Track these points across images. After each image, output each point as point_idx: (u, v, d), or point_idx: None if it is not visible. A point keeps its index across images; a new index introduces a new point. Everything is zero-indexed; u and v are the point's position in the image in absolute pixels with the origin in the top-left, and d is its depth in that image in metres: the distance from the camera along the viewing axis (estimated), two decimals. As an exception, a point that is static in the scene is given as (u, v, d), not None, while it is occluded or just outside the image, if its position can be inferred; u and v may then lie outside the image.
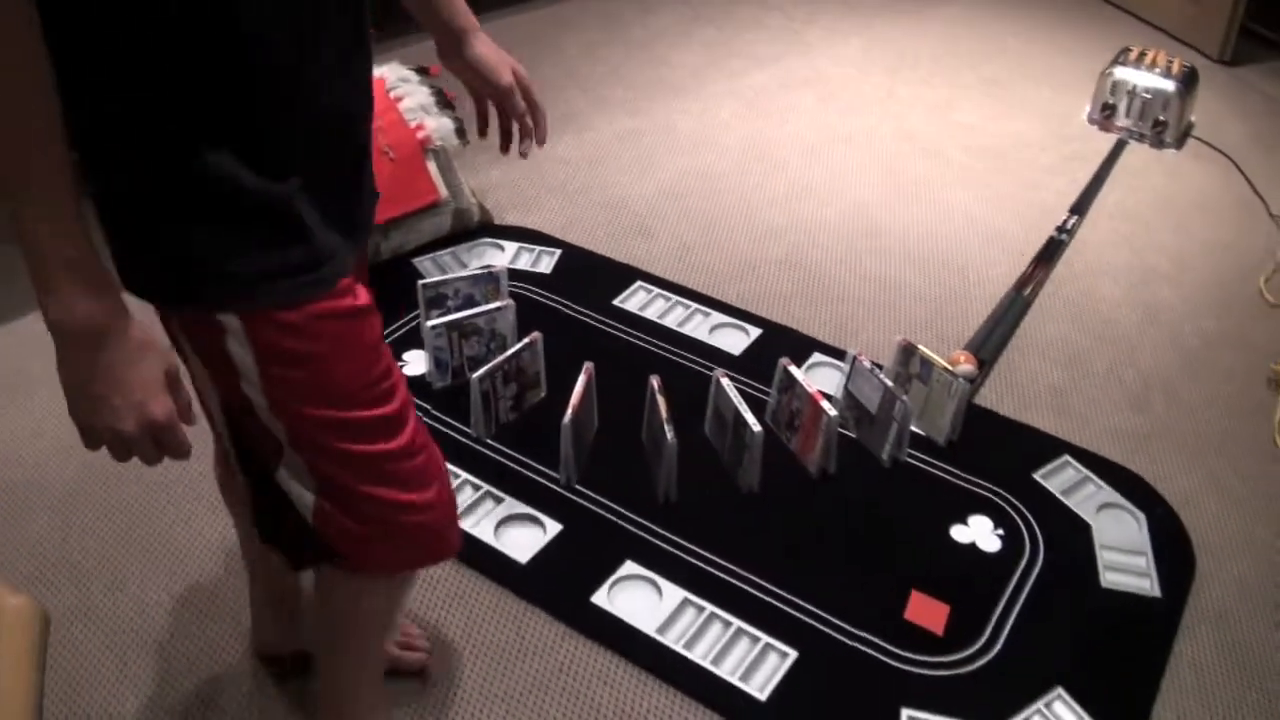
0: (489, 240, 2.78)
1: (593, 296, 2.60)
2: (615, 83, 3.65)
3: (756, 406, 2.23)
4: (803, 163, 3.23)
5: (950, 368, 2.22)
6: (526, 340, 2.22)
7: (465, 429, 2.19)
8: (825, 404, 2.08)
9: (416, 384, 2.32)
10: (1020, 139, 3.41)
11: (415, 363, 2.37)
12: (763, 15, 4.24)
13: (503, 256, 2.73)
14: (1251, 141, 3.42)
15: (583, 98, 3.54)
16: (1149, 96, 3.31)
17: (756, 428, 2.02)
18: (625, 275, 2.69)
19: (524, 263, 2.71)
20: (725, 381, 2.14)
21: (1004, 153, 3.33)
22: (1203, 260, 2.89)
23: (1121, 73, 3.36)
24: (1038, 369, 2.48)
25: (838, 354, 2.45)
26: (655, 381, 2.13)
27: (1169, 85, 3.29)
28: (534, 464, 2.13)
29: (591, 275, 2.69)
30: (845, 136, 3.39)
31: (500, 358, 2.16)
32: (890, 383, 2.13)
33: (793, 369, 2.17)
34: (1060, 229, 2.93)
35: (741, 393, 2.14)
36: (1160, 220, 3.05)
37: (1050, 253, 2.85)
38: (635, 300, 2.60)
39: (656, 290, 2.64)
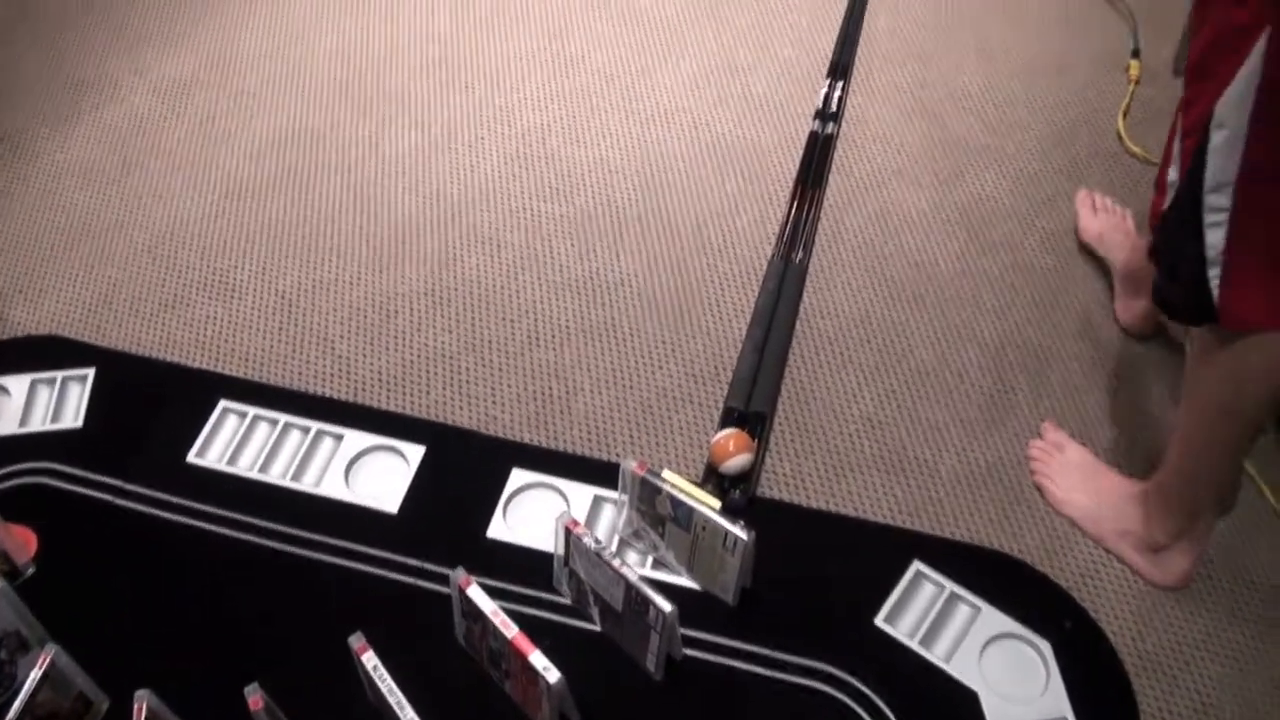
0: (-18, 380, 1.84)
1: (153, 456, 1.72)
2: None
3: (435, 605, 1.47)
4: (433, 80, 2.29)
5: (713, 505, 1.47)
6: (35, 675, 1.37)
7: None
8: (539, 661, 1.32)
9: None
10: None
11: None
12: None
13: (10, 408, 1.79)
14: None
15: (106, 39, 2.45)
16: None
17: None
18: (201, 392, 1.81)
19: (40, 412, 1.79)
20: (373, 667, 1.34)
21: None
22: (1027, 103, 2.15)
23: None
24: (841, 390, 1.75)
25: (545, 459, 1.68)
26: (254, 704, 1.32)
27: None
28: None
29: (147, 410, 1.79)
30: (488, 10, 2.43)
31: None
32: (637, 580, 1.37)
33: (474, 593, 1.39)
34: (822, 114, 2.12)
35: (409, 591, 1.46)
36: (954, 47, 2.27)
37: (815, 164, 2.05)
38: (221, 441, 1.73)
39: (251, 410, 1.77)
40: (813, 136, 2.09)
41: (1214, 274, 1.18)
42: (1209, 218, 1.16)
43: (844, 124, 2.13)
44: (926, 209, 2.00)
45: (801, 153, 2.07)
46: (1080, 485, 1.59)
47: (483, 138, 2.16)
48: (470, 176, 2.09)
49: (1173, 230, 1.23)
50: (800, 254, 1.90)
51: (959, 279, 1.89)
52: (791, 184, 2.02)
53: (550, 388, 1.77)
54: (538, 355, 1.81)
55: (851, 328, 1.83)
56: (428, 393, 1.77)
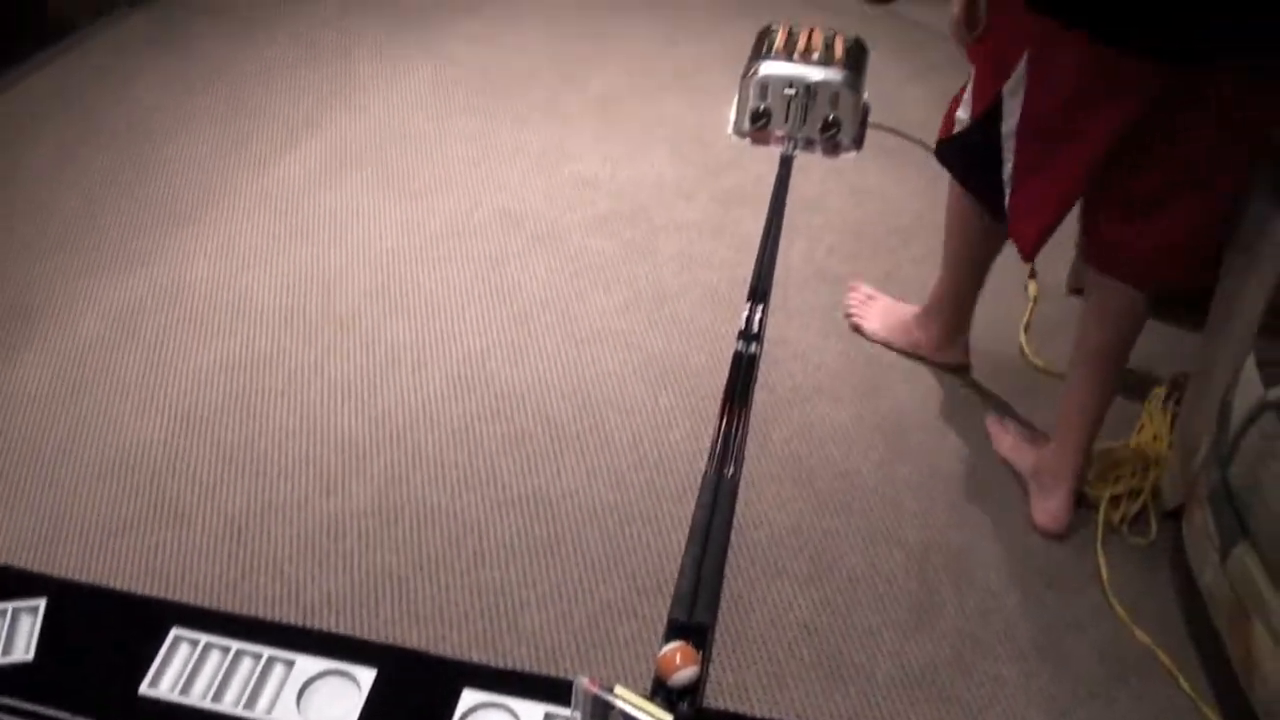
0: (-75, 613, 1.83)
1: (106, 688, 1.73)
2: (106, 210, 2.65)
3: None
4: (377, 306, 2.40)
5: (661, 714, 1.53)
6: None
7: None
8: None
9: None
10: (658, 185, 2.72)
11: None
12: (286, 53, 3.30)
13: (-47, 640, 1.79)
14: (936, 103, 2.85)
15: (57, 256, 2.52)
16: (809, 93, 2.68)
17: None
18: (153, 621, 1.82)
19: (-12, 645, 1.79)
20: None
21: (641, 216, 2.62)
22: (930, 324, 2.32)
23: (770, 68, 2.70)
24: (777, 599, 1.84)
25: (495, 678, 1.72)
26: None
27: (833, 74, 2.66)
28: None
29: (100, 640, 1.81)
30: (431, 239, 2.58)
31: None
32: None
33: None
34: (745, 334, 2.26)
35: None
36: (863, 271, 2.45)
37: (741, 382, 2.18)
38: (173, 670, 1.75)
39: (204, 638, 1.79)
40: (737, 356, 2.23)
41: (1009, 193, 1.73)
42: (1005, 152, 1.69)
43: (765, 344, 2.28)
44: (847, 422, 2.13)
45: (728, 370, 2.21)
46: (882, 318, 2.25)
47: (424, 361, 2.26)
48: (413, 399, 2.18)
49: (973, 150, 1.78)
50: (731, 468, 2.01)
51: (882, 487, 2.01)
52: (720, 400, 2.15)
53: (497, 605, 1.83)
54: (484, 573, 1.88)
55: (784, 537, 1.93)
56: (377, 614, 1.81)
